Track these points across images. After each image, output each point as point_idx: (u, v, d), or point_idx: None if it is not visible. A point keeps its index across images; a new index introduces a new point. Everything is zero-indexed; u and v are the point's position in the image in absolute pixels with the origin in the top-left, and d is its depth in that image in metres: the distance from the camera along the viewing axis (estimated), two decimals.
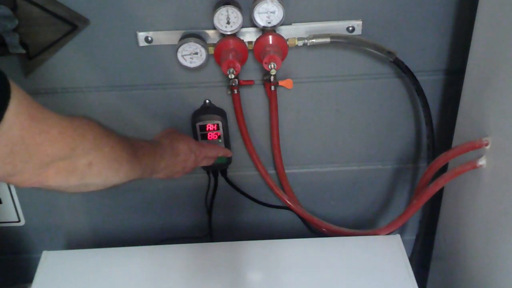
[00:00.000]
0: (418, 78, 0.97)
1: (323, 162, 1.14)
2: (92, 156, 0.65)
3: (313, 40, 0.94)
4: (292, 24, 0.95)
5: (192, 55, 0.94)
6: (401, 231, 1.22)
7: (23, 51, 0.96)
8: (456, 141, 0.97)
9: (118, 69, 1.00)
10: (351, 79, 1.02)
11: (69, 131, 0.62)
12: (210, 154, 1.02)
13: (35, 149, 0.58)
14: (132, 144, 0.75)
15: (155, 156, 0.84)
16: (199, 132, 1.03)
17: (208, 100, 1.04)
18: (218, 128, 1.03)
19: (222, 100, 1.04)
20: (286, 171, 1.12)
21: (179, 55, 0.94)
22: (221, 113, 1.04)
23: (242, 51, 0.94)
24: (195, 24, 0.95)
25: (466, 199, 0.92)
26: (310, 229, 1.15)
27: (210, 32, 0.95)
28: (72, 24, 0.94)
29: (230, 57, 0.92)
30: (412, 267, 0.94)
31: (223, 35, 0.94)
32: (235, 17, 0.90)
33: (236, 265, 0.96)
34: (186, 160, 0.94)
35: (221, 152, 1.05)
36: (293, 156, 1.12)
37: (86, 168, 0.65)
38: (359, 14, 0.94)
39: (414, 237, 1.13)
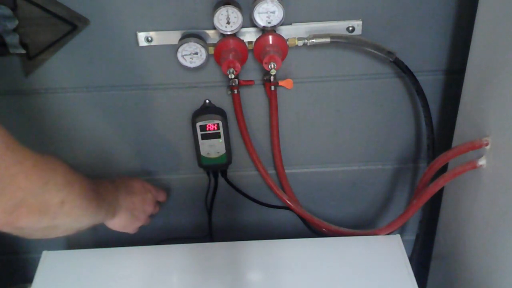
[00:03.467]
0: (418, 78, 0.97)
1: (323, 162, 1.14)
2: (64, 194, 0.65)
3: (313, 40, 0.94)
4: (292, 24, 0.95)
5: (192, 55, 0.94)
6: (401, 231, 1.22)
7: (23, 51, 0.96)
8: (456, 141, 0.97)
9: (118, 69, 1.00)
10: (351, 79, 1.02)
11: (42, 164, 0.61)
12: (162, 197, 1.03)
13: (9, 181, 0.56)
14: (94, 182, 0.75)
15: (114, 192, 0.84)
16: (199, 132, 1.03)
17: (208, 100, 1.04)
18: (218, 128, 1.03)
19: (222, 100, 1.04)
20: (286, 171, 1.12)
21: (179, 55, 0.94)
22: (221, 113, 1.04)
23: (242, 51, 0.94)
24: (195, 24, 0.95)
25: (466, 199, 0.92)
26: (310, 229, 1.15)
27: (210, 32, 0.95)
28: (72, 24, 0.94)
29: (230, 57, 0.92)
30: (412, 267, 0.94)
31: (223, 35, 0.94)
32: (235, 17, 0.90)
33: (236, 265, 0.96)
34: (144, 200, 0.95)
35: (165, 197, 1.05)
36: (293, 156, 1.12)
37: (58, 207, 0.64)
38: (359, 14, 0.94)
39: (414, 237, 1.13)
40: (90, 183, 0.72)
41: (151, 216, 1.00)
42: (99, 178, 0.83)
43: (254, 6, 0.89)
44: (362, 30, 0.95)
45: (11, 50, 0.95)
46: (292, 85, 0.99)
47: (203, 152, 1.06)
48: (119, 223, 0.88)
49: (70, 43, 0.96)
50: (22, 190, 0.58)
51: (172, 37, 0.95)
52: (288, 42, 0.94)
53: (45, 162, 0.62)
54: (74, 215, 0.68)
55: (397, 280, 0.92)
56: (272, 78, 0.96)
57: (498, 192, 0.80)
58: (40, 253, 1.00)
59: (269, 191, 1.13)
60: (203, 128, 1.03)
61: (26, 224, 0.61)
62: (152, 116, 1.06)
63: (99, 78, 1.01)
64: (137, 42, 0.96)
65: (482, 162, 0.82)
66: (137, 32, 0.95)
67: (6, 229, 0.60)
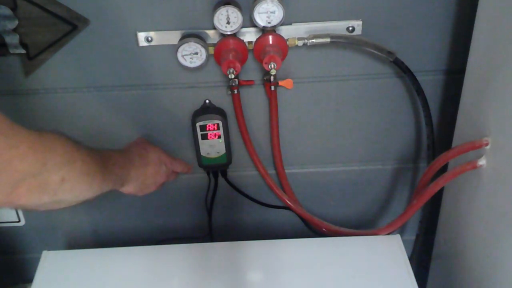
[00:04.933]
0: (418, 78, 0.97)
1: (323, 162, 1.14)
2: (64, 172, 0.64)
3: (313, 40, 0.94)
4: (292, 24, 0.95)
5: (192, 55, 0.94)
6: (401, 231, 1.22)
7: (23, 51, 0.96)
8: (456, 141, 0.97)
9: (118, 69, 1.00)
10: (351, 79, 1.02)
11: (39, 146, 0.60)
12: (179, 168, 1.02)
13: (5, 166, 0.56)
14: (101, 156, 0.74)
15: (125, 165, 0.84)
16: (199, 132, 1.03)
17: (208, 100, 1.04)
18: (218, 128, 1.03)
19: (222, 100, 1.04)
20: (286, 171, 1.12)
21: (179, 55, 0.94)
22: (221, 113, 1.04)
23: (242, 51, 0.94)
24: (195, 24, 0.95)
25: (466, 199, 0.92)
26: (310, 229, 1.15)
27: (210, 32, 0.95)
28: (72, 24, 0.94)
29: (230, 57, 0.92)
30: (412, 267, 0.94)
31: (223, 35, 0.94)
32: (235, 17, 0.90)
33: (236, 265, 0.96)
34: (157, 172, 0.94)
35: (185, 168, 1.05)
36: (293, 156, 1.12)
37: (59, 185, 0.64)
38: (359, 14, 0.94)
39: (414, 237, 1.13)
40: (96, 159, 0.71)
41: (163, 184, 1.00)
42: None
43: (254, 6, 0.89)
44: (362, 30, 0.95)
45: (11, 50, 0.95)
46: (292, 85, 0.99)
47: (203, 152, 1.06)
48: (128, 190, 0.88)
49: (70, 43, 0.96)
50: (19, 173, 0.58)
51: (172, 37, 0.95)
52: (288, 42, 0.94)
53: (43, 143, 0.61)
54: (76, 191, 0.68)
55: (397, 280, 0.92)
56: (272, 78, 0.96)
57: (498, 192, 0.80)
58: (40, 253, 1.00)
59: (269, 191, 1.13)
60: (203, 128, 1.03)
61: (26, 202, 0.61)
62: (152, 116, 1.06)
63: (99, 78, 1.01)
64: (137, 42, 0.96)
65: (482, 162, 0.82)
66: (137, 32, 0.95)
67: (7, 206, 0.61)
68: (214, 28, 0.92)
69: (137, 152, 0.90)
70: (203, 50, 0.93)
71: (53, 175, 0.62)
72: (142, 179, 0.90)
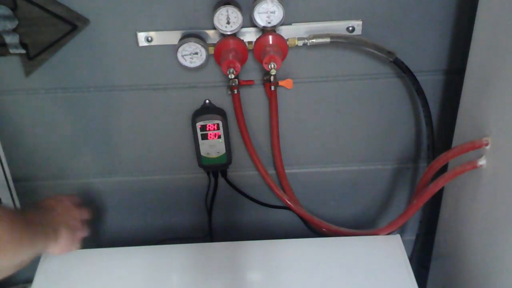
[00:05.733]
0: (418, 78, 0.97)
1: (323, 162, 1.14)
2: None
3: (313, 40, 0.94)
4: (292, 24, 0.95)
5: (192, 55, 0.94)
6: (401, 231, 1.22)
7: (23, 51, 0.96)
8: (456, 141, 0.97)
9: (118, 69, 1.00)
10: (351, 79, 1.02)
11: None
12: (69, 198, 0.96)
13: None
14: (24, 213, 0.74)
15: (44, 216, 0.82)
16: (199, 132, 1.03)
17: (208, 100, 1.04)
18: (218, 128, 1.03)
19: (222, 100, 1.04)
20: (286, 171, 1.12)
21: (179, 55, 0.94)
22: (221, 113, 1.04)
23: (242, 51, 0.94)
24: (195, 24, 0.95)
25: (466, 199, 0.92)
26: (310, 229, 1.15)
27: (210, 32, 0.95)
28: (72, 24, 0.94)
29: (230, 57, 0.92)
30: (412, 267, 0.94)
31: (223, 35, 0.94)
32: (235, 17, 0.90)
33: (236, 265, 0.96)
34: (65, 207, 0.89)
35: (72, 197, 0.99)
36: (293, 156, 1.12)
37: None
38: (359, 14, 0.94)
39: (414, 237, 1.13)
40: (20, 215, 0.71)
41: (86, 223, 0.94)
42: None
43: (254, 6, 0.89)
44: (362, 30, 0.95)
45: (11, 50, 0.95)
46: (292, 85, 0.99)
47: (203, 152, 1.06)
48: (65, 241, 0.84)
49: (70, 43, 0.96)
50: None
51: (172, 37, 0.95)
52: (288, 42, 0.94)
53: None
54: (9, 251, 0.67)
55: (397, 280, 0.92)
56: (272, 78, 0.96)
57: (498, 192, 0.80)
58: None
59: (269, 191, 1.13)
60: (203, 128, 1.03)
61: None
62: (152, 116, 1.06)
63: (99, 78, 1.01)
64: (137, 42, 0.96)
65: (482, 162, 0.82)
66: (137, 32, 0.95)
67: None
68: (214, 28, 0.92)
69: (38, 207, 0.86)
70: (203, 50, 0.93)
71: None
72: (64, 222, 0.85)
